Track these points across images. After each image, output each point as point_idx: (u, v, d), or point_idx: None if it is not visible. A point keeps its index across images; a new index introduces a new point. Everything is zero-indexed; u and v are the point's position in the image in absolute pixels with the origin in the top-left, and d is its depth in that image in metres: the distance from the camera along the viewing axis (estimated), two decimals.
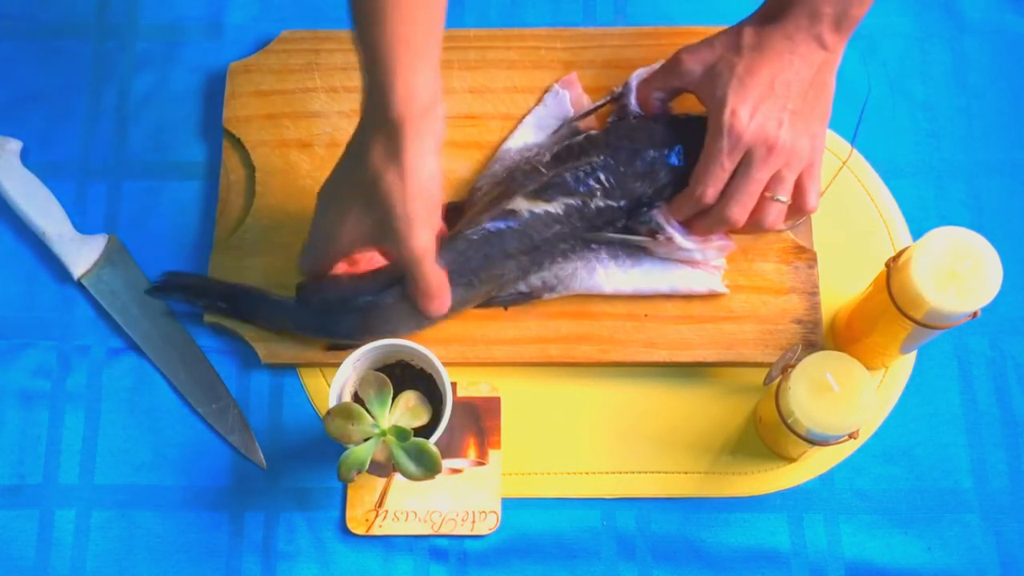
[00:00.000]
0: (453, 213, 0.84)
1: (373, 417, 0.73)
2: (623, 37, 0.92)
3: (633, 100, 0.85)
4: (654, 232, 0.82)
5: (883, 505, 0.83)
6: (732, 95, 0.76)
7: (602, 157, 0.81)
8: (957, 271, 0.71)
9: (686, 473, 0.83)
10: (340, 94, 0.90)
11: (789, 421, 0.75)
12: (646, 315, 0.84)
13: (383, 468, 0.78)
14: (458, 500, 0.82)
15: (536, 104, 0.89)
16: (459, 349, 0.84)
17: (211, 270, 0.86)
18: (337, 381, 0.75)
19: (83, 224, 0.90)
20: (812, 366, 0.73)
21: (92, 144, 0.93)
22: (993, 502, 0.83)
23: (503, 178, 0.84)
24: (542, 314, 0.84)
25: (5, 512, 0.83)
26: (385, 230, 0.74)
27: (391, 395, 0.74)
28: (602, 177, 0.81)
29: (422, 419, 0.75)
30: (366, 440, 0.73)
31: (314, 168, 0.88)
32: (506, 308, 0.85)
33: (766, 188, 0.78)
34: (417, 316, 0.80)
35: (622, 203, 0.81)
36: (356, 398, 0.77)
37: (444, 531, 0.81)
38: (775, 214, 0.79)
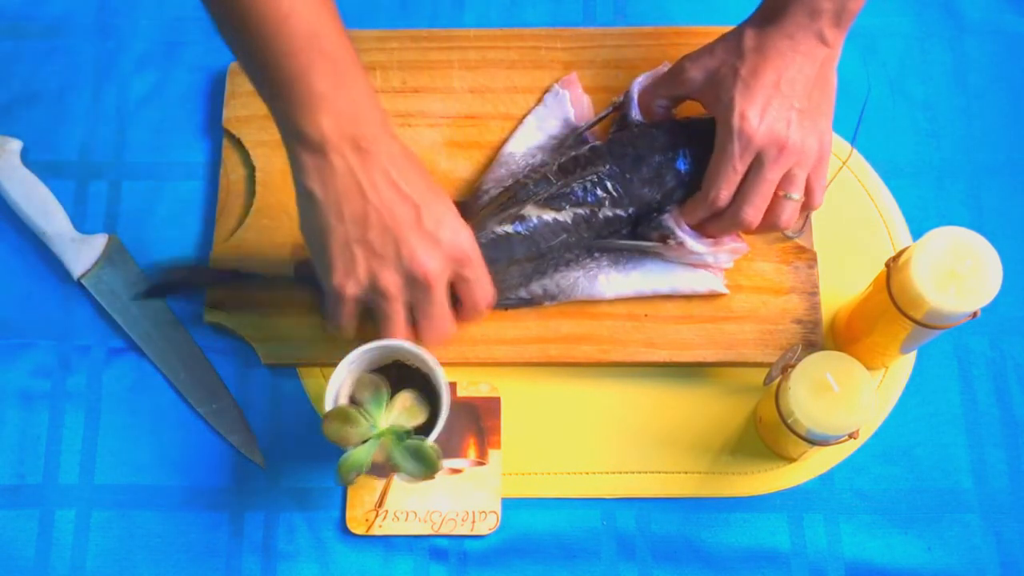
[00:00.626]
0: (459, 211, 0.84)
1: (370, 419, 0.73)
2: (623, 37, 0.92)
3: (635, 109, 0.85)
4: (665, 237, 0.82)
5: (883, 505, 0.83)
6: (739, 98, 0.76)
7: (608, 166, 0.81)
8: (957, 271, 0.71)
9: (686, 473, 0.83)
10: None
11: (789, 421, 0.75)
12: (646, 315, 0.84)
13: (382, 469, 0.78)
14: (458, 500, 0.82)
15: (536, 104, 0.89)
16: (459, 349, 0.84)
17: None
18: (332, 385, 0.75)
19: (83, 224, 0.90)
20: (812, 366, 0.73)
21: (92, 144, 0.93)
22: (993, 502, 0.83)
23: (511, 184, 0.84)
24: (542, 314, 0.84)
25: (5, 512, 0.83)
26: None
27: (387, 396, 0.74)
28: (609, 186, 0.81)
29: (419, 418, 0.75)
30: (364, 442, 0.73)
31: None
32: (506, 308, 0.85)
33: (778, 187, 0.78)
34: None
35: (631, 211, 0.82)
36: (353, 401, 0.77)
37: (444, 531, 0.81)
38: (789, 212, 0.79)
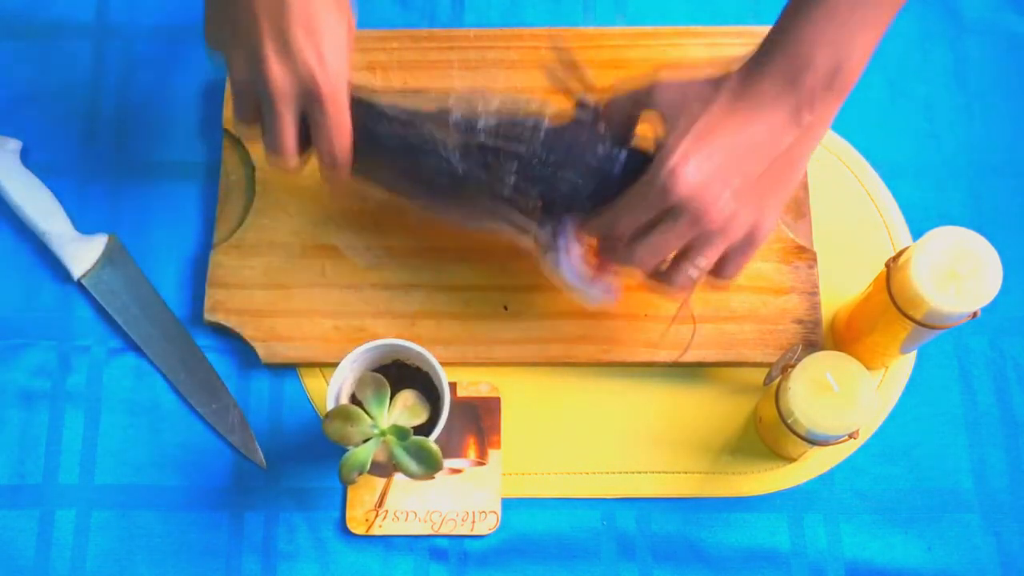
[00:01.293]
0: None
1: (372, 418, 0.73)
2: (623, 37, 0.92)
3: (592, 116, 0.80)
4: (547, 248, 0.77)
5: (883, 505, 0.83)
6: (686, 143, 0.67)
7: (533, 149, 0.75)
8: (957, 271, 0.71)
9: (686, 473, 0.83)
10: None
11: (789, 421, 0.75)
12: (646, 315, 0.84)
13: (384, 468, 0.78)
14: (458, 500, 0.82)
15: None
16: (459, 349, 0.84)
17: (211, 270, 0.86)
18: (334, 384, 0.75)
19: (83, 224, 0.90)
20: (812, 366, 0.73)
21: (92, 144, 0.93)
22: (993, 502, 0.83)
23: (450, 103, 0.78)
24: (542, 314, 0.84)
25: (5, 512, 0.83)
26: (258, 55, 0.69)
27: (388, 395, 0.74)
28: (524, 169, 0.75)
29: (421, 417, 0.75)
30: (366, 441, 0.73)
31: (314, 168, 0.88)
32: (506, 308, 0.85)
33: (684, 249, 0.71)
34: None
35: (534, 195, 0.76)
36: (354, 400, 0.77)
37: (444, 531, 0.81)
38: (682, 280, 0.72)
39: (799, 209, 0.87)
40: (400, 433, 0.73)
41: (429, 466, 0.73)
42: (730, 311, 0.84)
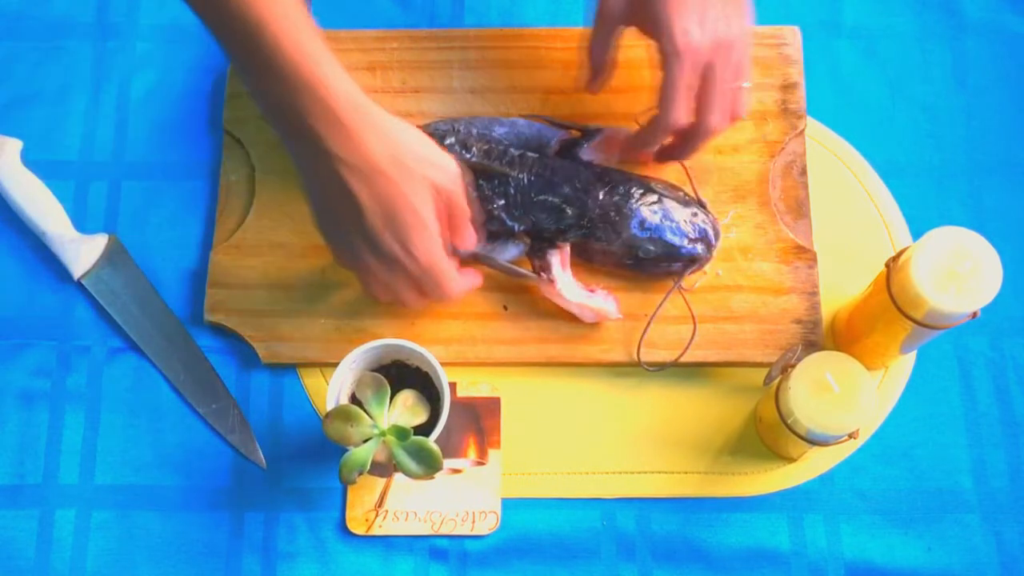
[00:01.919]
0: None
1: (372, 418, 0.73)
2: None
3: (587, 151, 0.85)
4: (544, 269, 0.82)
5: (883, 505, 0.83)
6: (674, 14, 0.73)
7: (522, 175, 0.82)
8: (957, 271, 0.71)
9: (686, 473, 0.83)
10: None
11: (789, 421, 0.75)
12: (646, 315, 0.84)
13: (384, 468, 0.78)
14: (458, 500, 0.82)
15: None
16: (459, 349, 0.84)
17: (211, 270, 0.86)
18: (334, 384, 0.75)
19: (83, 224, 0.90)
20: (812, 366, 0.73)
21: (92, 144, 0.93)
22: (993, 502, 0.83)
23: (438, 127, 0.85)
24: (542, 314, 0.84)
25: (5, 512, 0.83)
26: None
27: (388, 395, 0.74)
28: (511, 192, 0.81)
29: (421, 417, 0.75)
30: (366, 441, 0.73)
31: None
32: (506, 308, 0.85)
33: (706, 90, 0.77)
34: None
35: (519, 227, 0.82)
36: (354, 400, 0.77)
37: (444, 531, 0.81)
38: (744, 100, 0.78)
39: (799, 209, 0.87)
40: (400, 433, 0.73)
41: (429, 466, 0.73)
42: (730, 311, 0.84)
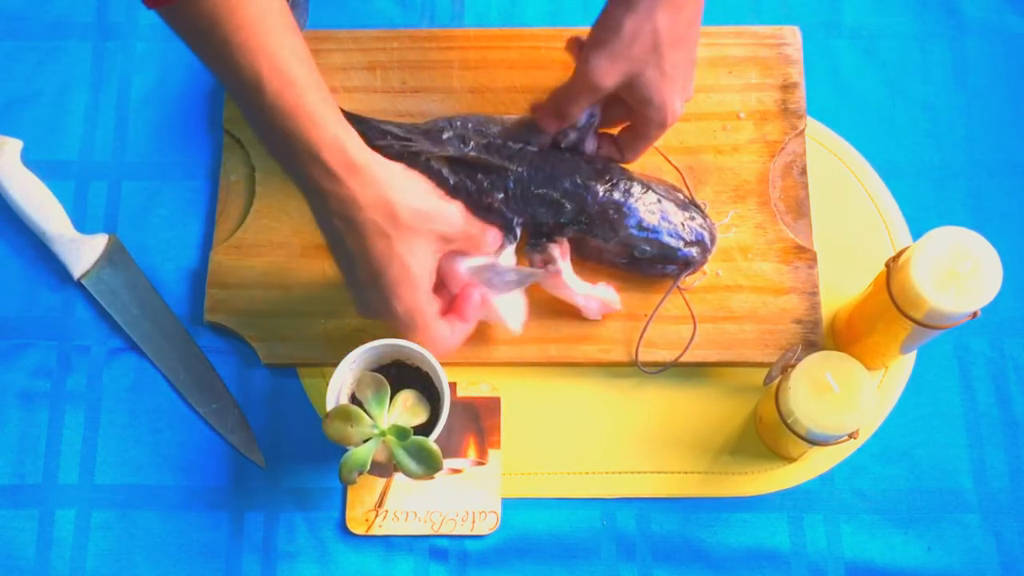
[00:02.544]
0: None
1: (372, 418, 0.73)
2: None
3: (590, 141, 0.84)
4: (545, 262, 0.82)
5: (883, 505, 0.83)
6: (667, 95, 0.76)
7: (521, 169, 0.82)
8: (957, 271, 0.71)
9: (686, 473, 0.83)
10: (339, 94, 0.90)
11: (789, 421, 0.75)
12: (645, 315, 0.84)
13: (384, 468, 0.78)
14: (458, 500, 0.82)
15: None
16: (459, 349, 0.84)
17: (211, 270, 0.86)
18: (334, 384, 0.75)
19: (83, 224, 0.90)
20: (812, 366, 0.73)
21: (92, 144, 0.93)
22: (993, 502, 0.83)
23: (435, 126, 0.85)
24: (542, 314, 0.84)
25: (5, 512, 0.83)
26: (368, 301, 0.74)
27: (388, 395, 0.74)
28: (510, 185, 0.82)
29: (421, 417, 0.75)
30: (366, 441, 0.73)
31: None
32: None
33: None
34: None
35: (518, 220, 0.82)
36: (354, 400, 0.77)
37: (444, 531, 0.81)
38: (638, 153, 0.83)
39: (799, 209, 0.87)
40: (400, 433, 0.73)
41: (429, 466, 0.73)
42: (730, 311, 0.84)
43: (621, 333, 0.84)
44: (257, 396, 0.86)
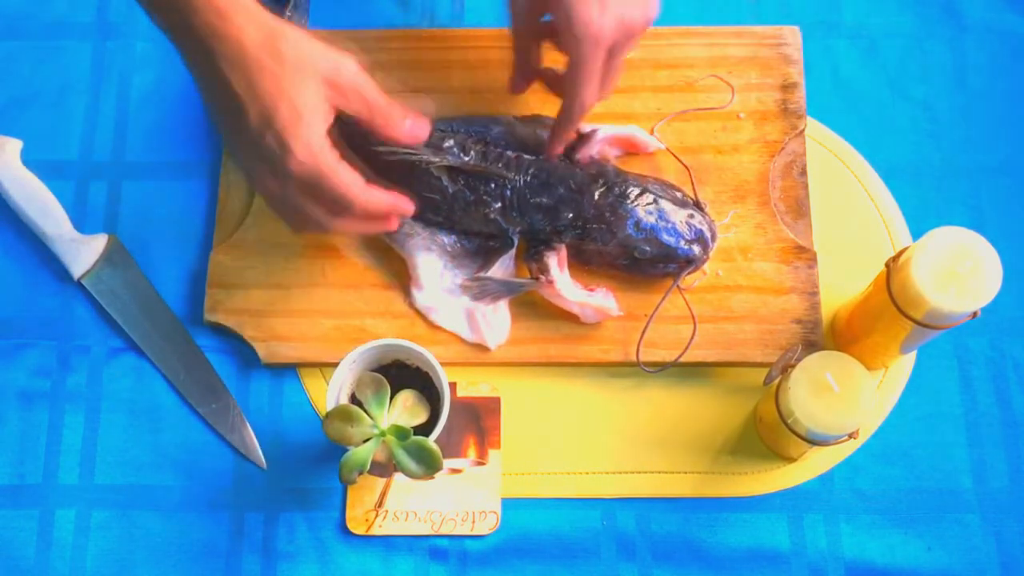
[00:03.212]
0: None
1: (372, 418, 0.73)
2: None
3: (587, 150, 0.85)
4: (542, 271, 0.82)
5: (883, 505, 0.83)
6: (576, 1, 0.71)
7: (519, 178, 0.82)
8: (957, 271, 0.71)
9: (686, 473, 0.83)
10: None
11: (789, 421, 0.75)
12: (645, 315, 0.84)
13: (384, 468, 0.78)
14: (458, 500, 0.82)
15: None
16: (459, 349, 0.84)
17: (211, 270, 0.86)
18: (334, 384, 0.75)
19: (83, 224, 0.90)
20: (812, 366, 0.73)
21: (92, 144, 0.93)
22: (993, 502, 0.83)
23: (437, 134, 0.83)
24: (542, 314, 0.84)
25: (5, 512, 0.83)
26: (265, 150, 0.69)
27: (388, 395, 0.74)
28: (508, 195, 0.82)
29: (421, 417, 0.75)
30: (366, 441, 0.73)
31: None
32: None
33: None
34: None
35: (515, 229, 0.82)
36: (354, 400, 0.77)
37: (444, 531, 0.81)
38: (619, 74, 0.78)
39: (799, 209, 0.87)
40: (400, 433, 0.73)
41: (429, 466, 0.73)
42: (730, 311, 0.84)
43: (621, 333, 0.84)
44: (257, 396, 0.86)
